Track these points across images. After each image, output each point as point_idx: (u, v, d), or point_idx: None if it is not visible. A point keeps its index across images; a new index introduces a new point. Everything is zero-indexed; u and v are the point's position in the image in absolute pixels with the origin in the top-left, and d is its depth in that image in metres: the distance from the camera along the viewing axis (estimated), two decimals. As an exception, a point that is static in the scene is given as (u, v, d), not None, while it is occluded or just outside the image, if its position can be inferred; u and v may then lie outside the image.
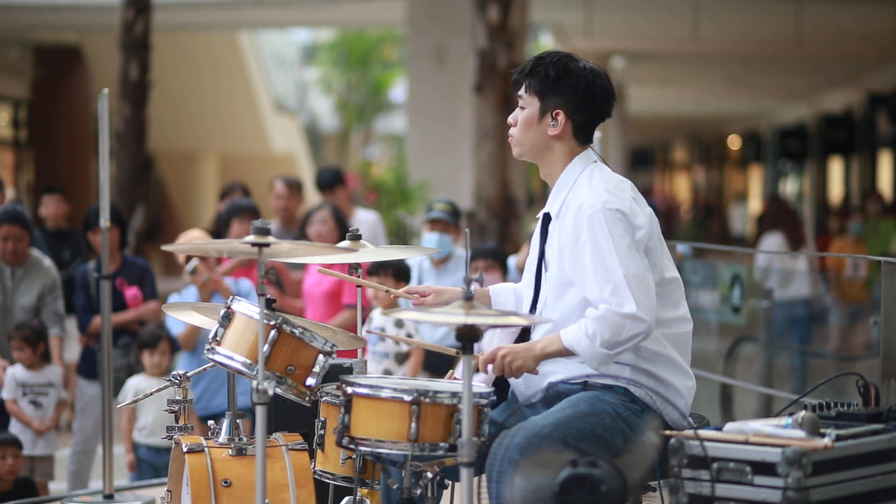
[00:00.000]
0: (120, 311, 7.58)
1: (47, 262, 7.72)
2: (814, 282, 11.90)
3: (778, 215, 12.52)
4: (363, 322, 4.76)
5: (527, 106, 4.31)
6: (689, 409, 4.28)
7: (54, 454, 7.42)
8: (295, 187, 9.56)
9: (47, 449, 7.33)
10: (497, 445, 3.97)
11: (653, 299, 4.08)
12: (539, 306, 4.30)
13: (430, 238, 7.99)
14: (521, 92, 4.33)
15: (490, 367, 4.18)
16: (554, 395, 4.19)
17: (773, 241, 11.91)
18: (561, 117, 4.27)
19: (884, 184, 23.70)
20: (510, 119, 4.38)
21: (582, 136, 4.33)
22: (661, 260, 4.24)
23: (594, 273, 4.10)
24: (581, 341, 4.07)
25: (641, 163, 45.18)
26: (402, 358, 6.86)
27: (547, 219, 4.34)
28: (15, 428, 7.30)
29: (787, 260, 11.49)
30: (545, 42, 25.79)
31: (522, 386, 4.27)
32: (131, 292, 7.74)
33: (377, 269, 6.84)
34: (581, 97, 4.27)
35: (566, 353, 4.12)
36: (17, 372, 7.36)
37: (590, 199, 4.17)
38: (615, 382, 4.16)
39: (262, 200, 11.38)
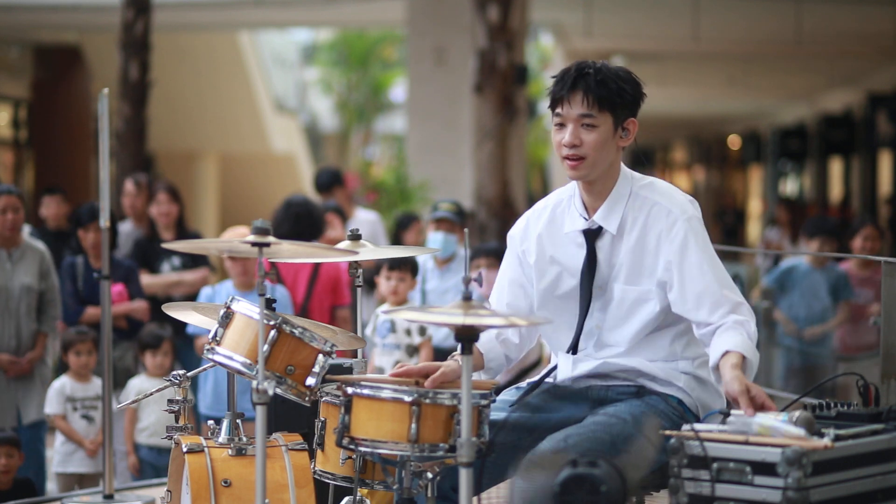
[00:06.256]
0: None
1: (40, 243, 7.74)
2: None
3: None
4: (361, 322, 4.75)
5: (599, 123, 4.05)
6: None
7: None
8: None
9: (95, 466, 7.12)
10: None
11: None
12: (590, 323, 4.20)
13: (435, 237, 7.97)
14: (586, 109, 4.05)
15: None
16: (597, 399, 4.17)
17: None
18: (633, 126, 4.14)
19: (884, 184, 23.70)
20: (571, 140, 4.06)
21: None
22: None
23: (713, 276, 4.03)
24: (751, 347, 3.96)
25: (641, 163, 45.13)
26: (412, 350, 6.84)
27: (594, 233, 4.18)
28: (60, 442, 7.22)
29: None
30: (545, 42, 25.77)
31: (569, 369, 4.21)
32: (116, 289, 7.74)
33: (398, 265, 6.78)
34: (637, 100, 4.15)
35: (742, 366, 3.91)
36: (65, 384, 7.18)
37: (678, 206, 4.10)
38: (668, 391, 4.16)
39: (262, 200, 11.37)
